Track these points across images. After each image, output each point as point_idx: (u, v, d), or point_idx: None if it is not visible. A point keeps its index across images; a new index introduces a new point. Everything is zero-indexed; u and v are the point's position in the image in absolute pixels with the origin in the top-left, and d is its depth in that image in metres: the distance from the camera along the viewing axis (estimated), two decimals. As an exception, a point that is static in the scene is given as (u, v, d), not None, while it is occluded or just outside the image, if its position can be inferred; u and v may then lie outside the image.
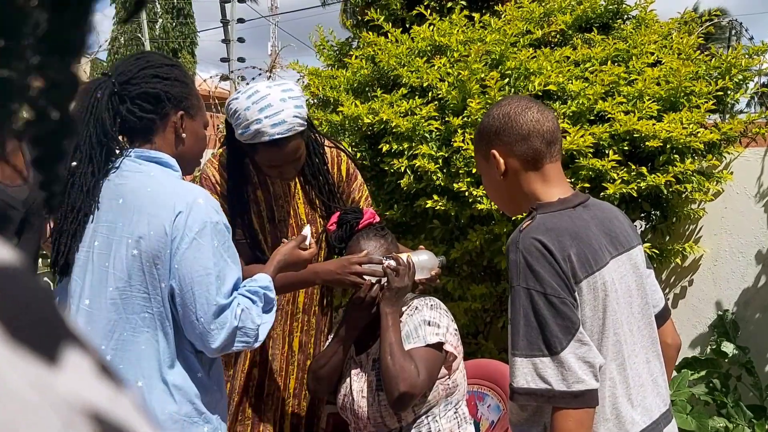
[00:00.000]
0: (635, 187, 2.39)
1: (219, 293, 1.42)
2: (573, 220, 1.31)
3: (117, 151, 1.49)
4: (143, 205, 1.44)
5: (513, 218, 2.27)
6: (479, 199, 2.38)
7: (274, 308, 1.56)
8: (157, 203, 1.43)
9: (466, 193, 2.40)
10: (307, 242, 1.75)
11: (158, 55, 1.62)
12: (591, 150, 2.40)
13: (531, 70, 2.55)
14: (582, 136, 2.36)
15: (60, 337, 0.24)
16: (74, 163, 1.45)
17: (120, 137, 1.51)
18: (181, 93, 1.51)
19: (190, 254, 1.41)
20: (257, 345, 1.52)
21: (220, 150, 1.99)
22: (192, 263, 1.41)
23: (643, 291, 1.39)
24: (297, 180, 2.00)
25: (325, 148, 2.03)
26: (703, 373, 2.75)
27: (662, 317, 1.47)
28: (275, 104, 1.75)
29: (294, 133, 1.78)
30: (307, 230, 1.79)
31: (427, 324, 1.79)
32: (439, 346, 1.78)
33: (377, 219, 1.99)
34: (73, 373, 0.24)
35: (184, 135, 1.53)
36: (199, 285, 1.41)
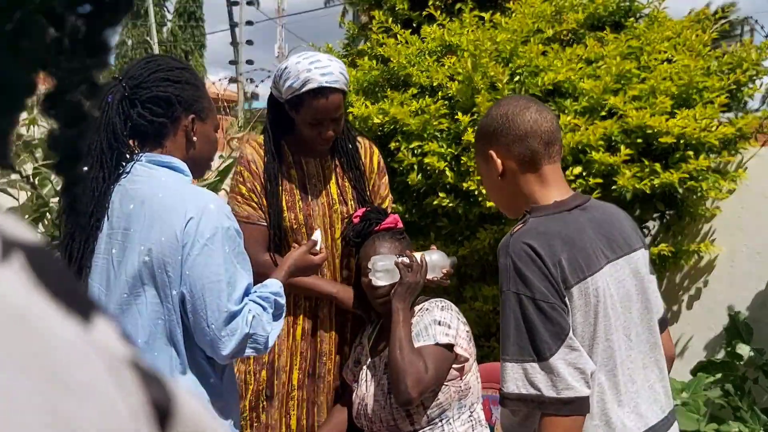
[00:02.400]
0: (648, 184, 2.36)
1: (230, 300, 1.41)
2: (566, 224, 1.29)
3: (128, 156, 1.48)
4: (154, 211, 1.42)
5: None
6: (488, 197, 2.36)
7: (283, 315, 1.56)
8: (167, 209, 1.42)
9: (476, 192, 2.38)
10: (317, 247, 1.74)
11: (169, 58, 1.61)
12: (603, 145, 2.37)
13: (541, 67, 2.52)
14: (592, 127, 2.34)
15: (89, 305, 0.28)
16: (85, 168, 1.44)
17: (131, 141, 1.50)
18: (192, 96, 1.50)
19: (201, 260, 1.39)
20: (266, 352, 1.51)
21: (261, 137, 2.10)
22: (203, 269, 1.39)
23: (644, 296, 1.36)
24: (330, 161, 2.07)
25: (359, 138, 2.14)
26: (719, 376, 2.71)
27: (661, 325, 1.44)
28: (324, 61, 1.90)
29: (340, 86, 1.89)
30: (317, 235, 1.78)
31: (437, 324, 1.79)
32: (448, 346, 1.77)
33: (400, 225, 1.99)
34: (105, 333, 0.28)
35: (195, 138, 1.52)
36: (210, 291, 1.39)
